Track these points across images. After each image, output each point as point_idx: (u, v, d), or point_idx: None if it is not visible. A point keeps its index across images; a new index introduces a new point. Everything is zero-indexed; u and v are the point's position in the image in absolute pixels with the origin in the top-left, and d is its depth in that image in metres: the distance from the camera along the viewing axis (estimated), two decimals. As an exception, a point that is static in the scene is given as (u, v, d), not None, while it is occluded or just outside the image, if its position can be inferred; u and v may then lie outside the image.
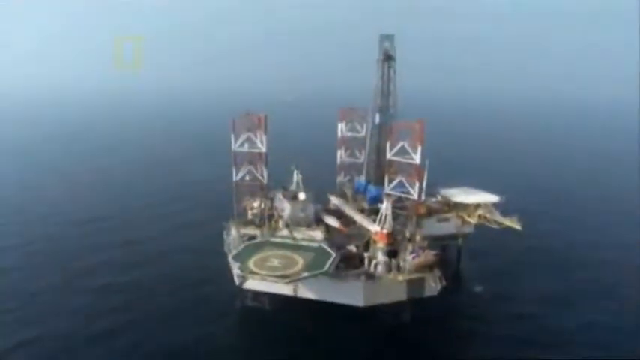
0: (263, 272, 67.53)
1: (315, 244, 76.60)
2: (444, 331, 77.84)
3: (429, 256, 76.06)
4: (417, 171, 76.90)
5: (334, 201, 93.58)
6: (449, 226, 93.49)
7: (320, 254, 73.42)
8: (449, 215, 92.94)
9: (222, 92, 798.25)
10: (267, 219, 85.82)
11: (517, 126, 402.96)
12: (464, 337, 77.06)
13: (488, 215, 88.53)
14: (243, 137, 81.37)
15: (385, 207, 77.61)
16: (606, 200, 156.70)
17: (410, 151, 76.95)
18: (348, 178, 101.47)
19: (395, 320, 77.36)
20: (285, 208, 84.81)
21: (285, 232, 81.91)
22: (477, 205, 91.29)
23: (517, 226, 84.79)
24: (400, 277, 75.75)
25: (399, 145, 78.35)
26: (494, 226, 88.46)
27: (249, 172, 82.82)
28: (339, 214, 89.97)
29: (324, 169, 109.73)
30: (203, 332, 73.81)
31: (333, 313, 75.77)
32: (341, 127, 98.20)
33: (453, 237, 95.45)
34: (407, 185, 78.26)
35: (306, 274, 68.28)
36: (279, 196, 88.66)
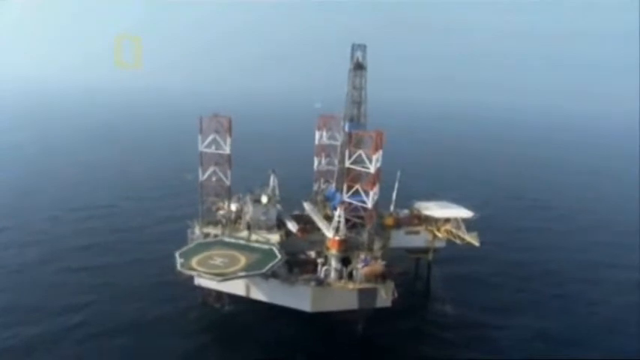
0: (201, 269, 69.13)
1: (265, 247, 77.55)
2: (395, 350, 77.41)
3: (377, 266, 75.61)
4: (372, 179, 76.71)
5: (306, 207, 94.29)
6: (419, 239, 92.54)
7: (266, 256, 74.30)
8: (418, 228, 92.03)
9: (254, 98, 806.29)
10: (234, 220, 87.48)
11: (508, 138, 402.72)
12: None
13: (453, 230, 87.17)
14: (210, 138, 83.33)
15: (338, 214, 77.91)
16: (602, 223, 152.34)
17: (365, 159, 76.88)
18: (325, 185, 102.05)
19: (347, 328, 77.59)
20: (248, 210, 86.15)
21: (244, 233, 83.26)
22: (447, 220, 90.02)
23: (475, 242, 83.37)
24: (350, 286, 75.70)
25: (357, 154, 78.42)
26: (458, 242, 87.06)
27: (214, 173, 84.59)
28: (306, 219, 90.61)
29: (309, 175, 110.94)
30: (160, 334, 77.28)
31: (290, 316, 77.03)
32: (320, 135, 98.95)
33: (424, 251, 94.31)
34: (362, 194, 78.13)
35: (242, 273, 69.48)
36: (247, 198, 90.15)
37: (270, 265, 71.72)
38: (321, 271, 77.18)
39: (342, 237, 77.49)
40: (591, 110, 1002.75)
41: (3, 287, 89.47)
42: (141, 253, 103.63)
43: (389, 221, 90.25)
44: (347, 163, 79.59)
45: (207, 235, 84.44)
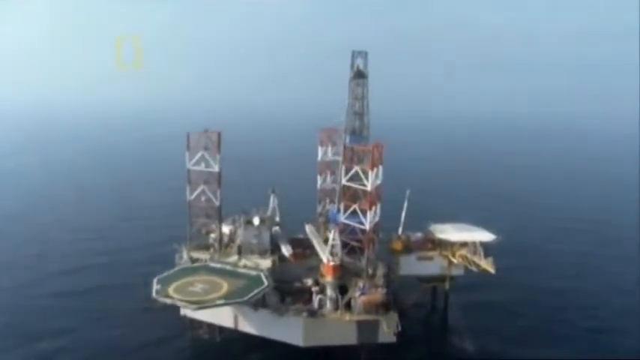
0: (177, 296, 62.52)
1: (253, 273, 70.10)
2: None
3: (377, 295, 67.04)
4: (370, 198, 68.51)
5: (307, 230, 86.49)
6: (432, 265, 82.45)
7: (252, 283, 66.98)
8: (432, 253, 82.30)
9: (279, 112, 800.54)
10: (226, 244, 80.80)
11: (541, 149, 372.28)
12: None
13: (468, 255, 77.46)
14: (198, 155, 77.30)
15: (332, 237, 70.06)
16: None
17: (362, 176, 68.88)
18: (331, 205, 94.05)
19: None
20: (239, 233, 79.25)
21: (234, 258, 76.20)
22: (464, 244, 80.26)
23: (491, 269, 73.49)
24: (347, 317, 67.38)
25: (353, 170, 70.52)
26: (474, 268, 77.31)
27: (204, 192, 78.21)
28: (306, 244, 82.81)
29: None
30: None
31: (288, 349, 69.55)
32: (324, 150, 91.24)
33: (439, 279, 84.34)
34: (359, 214, 69.85)
35: (220, 301, 62.56)
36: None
37: (254, 292, 64.33)
38: (315, 301, 69.18)
39: (338, 262, 69.45)
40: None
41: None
42: (132, 277, 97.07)
43: (397, 245, 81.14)
44: (343, 181, 71.80)
45: (195, 260, 77.82)
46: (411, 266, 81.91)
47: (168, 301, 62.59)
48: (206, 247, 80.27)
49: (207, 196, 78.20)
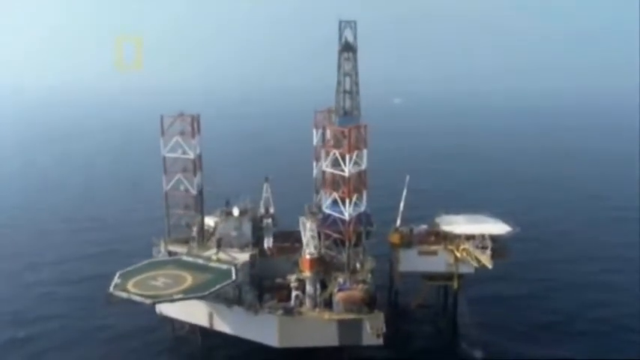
0: (134, 291, 57.32)
1: (224, 267, 63.84)
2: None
3: (355, 291, 59.67)
4: (348, 185, 60.95)
5: (301, 223, 79.61)
6: (436, 261, 73.15)
7: (219, 277, 61.10)
8: (435, 248, 73.44)
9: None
10: (208, 237, 75.15)
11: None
12: None
13: (471, 249, 68.44)
14: (173, 140, 71.86)
15: (309, 228, 63.05)
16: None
17: (340, 160, 61.46)
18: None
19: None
20: (218, 225, 73.38)
21: (212, 251, 70.26)
22: (471, 237, 71.15)
23: (488, 264, 64.51)
24: (326, 316, 60.28)
25: (332, 154, 63.10)
26: (474, 263, 68.32)
27: (181, 181, 72.72)
28: (298, 237, 75.91)
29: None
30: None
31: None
32: (319, 134, 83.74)
33: (446, 277, 75.25)
34: (339, 203, 62.36)
35: (178, 296, 57.27)
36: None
37: (216, 287, 58.25)
38: (292, 298, 62.39)
39: (315, 255, 62.35)
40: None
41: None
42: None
43: (393, 238, 72.75)
44: (323, 166, 64.51)
45: (173, 254, 72.42)
46: (413, 262, 73.37)
47: (124, 295, 57.44)
48: (186, 241, 74.66)
49: (185, 185, 72.60)
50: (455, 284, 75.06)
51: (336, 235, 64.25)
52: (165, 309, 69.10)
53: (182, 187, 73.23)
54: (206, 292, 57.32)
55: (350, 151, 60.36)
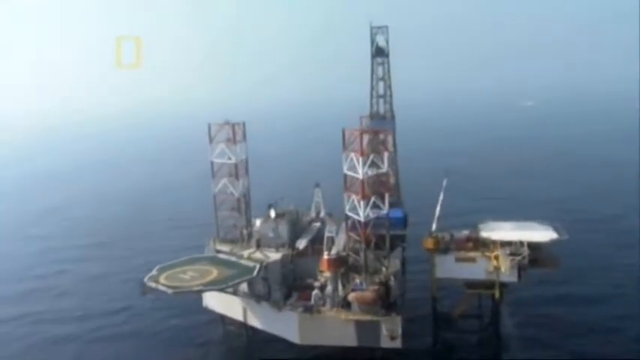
0: (162, 282, 63.16)
1: (251, 264, 67.49)
2: None
3: (367, 292, 60.14)
4: (362, 188, 61.53)
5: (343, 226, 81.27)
6: (475, 268, 70.26)
7: (242, 272, 65.02)
8: (472, 254, 70.57)
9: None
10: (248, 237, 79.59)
11: None
12: None
13: (501, 257, 65.06)
14: (220, 147, 77.46)
15: (328, 229, 64.72)
16: None
17: (355, 163, 62.34)
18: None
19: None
20: (257, 226, 77.46)
21: (250, 250, 74.47)
22: (506, 244, 67.65)
23: (508, 273, 61.58)
24: (342, 316, 61.46)
25: (349, 158, 64.03)
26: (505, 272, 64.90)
27: (227, 185, 77.95)
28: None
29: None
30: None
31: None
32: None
33: (487, 285, 71.83)
34: (356, 205, 63.10)
35: (197, 288, 62.44)
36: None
37: (236, 281, 62.14)
38: (312, 297, 64.28)
39: (334, 256, 63.79)
40: None
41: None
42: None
43: (428, 244, 71.14)
44: (344, 169, 65.69)
45: (219, 252, 77.64)
46: (450, 268, 71.02)
47: (153, 285, 63.31)
48: (233, 241, 79.55)
49: (230, 189, 77.82)
50: (497, 293, 71.50)
51: (355, 237, 65.02)
52: (210, 302, 74.91)
53: (228, 191, 78.46)
54: (223, 286, 61.45)
55: (363, 154, 61.04)
